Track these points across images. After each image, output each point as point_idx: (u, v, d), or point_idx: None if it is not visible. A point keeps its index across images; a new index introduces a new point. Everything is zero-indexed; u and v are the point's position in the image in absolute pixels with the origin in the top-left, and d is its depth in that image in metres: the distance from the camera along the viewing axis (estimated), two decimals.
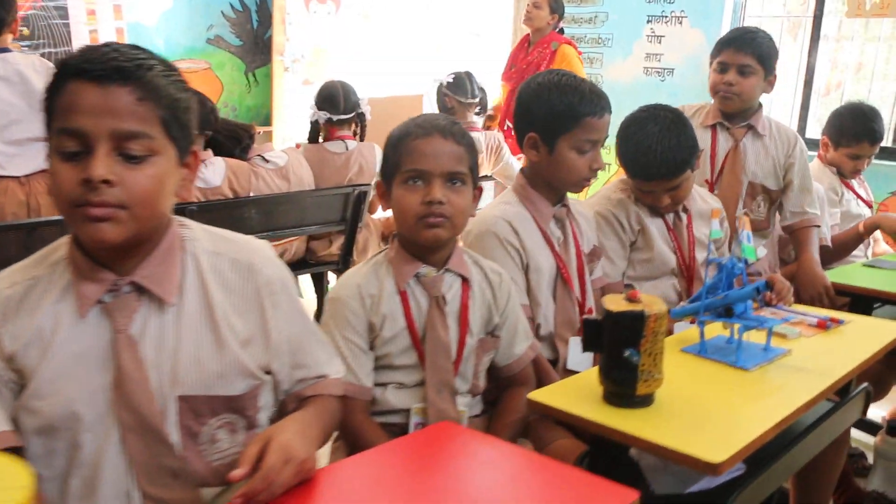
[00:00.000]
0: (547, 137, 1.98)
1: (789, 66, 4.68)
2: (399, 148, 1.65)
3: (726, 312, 1.69)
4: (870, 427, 3.11)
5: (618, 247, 2.32)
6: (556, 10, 4.65)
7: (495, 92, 4.96)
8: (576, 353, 2.01)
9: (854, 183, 3.41)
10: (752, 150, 2.82)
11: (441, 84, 4.17)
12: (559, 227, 2.08)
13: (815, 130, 4.62)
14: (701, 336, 1.73)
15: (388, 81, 7.15)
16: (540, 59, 4.65)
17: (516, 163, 4.24)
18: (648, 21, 5.11)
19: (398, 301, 1.67)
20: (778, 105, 4.86)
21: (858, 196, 3.45)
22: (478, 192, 1.73)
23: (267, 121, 6.96)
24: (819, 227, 2.87)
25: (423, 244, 1.66)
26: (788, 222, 2.87)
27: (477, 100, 4.11)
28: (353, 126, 3.94)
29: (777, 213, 2.92)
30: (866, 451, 2.90)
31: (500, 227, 1.98)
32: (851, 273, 2.70)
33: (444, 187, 1.61)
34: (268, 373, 1.34)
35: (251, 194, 3.63)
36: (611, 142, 2.13)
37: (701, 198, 2.42)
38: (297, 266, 3.91)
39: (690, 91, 4.92)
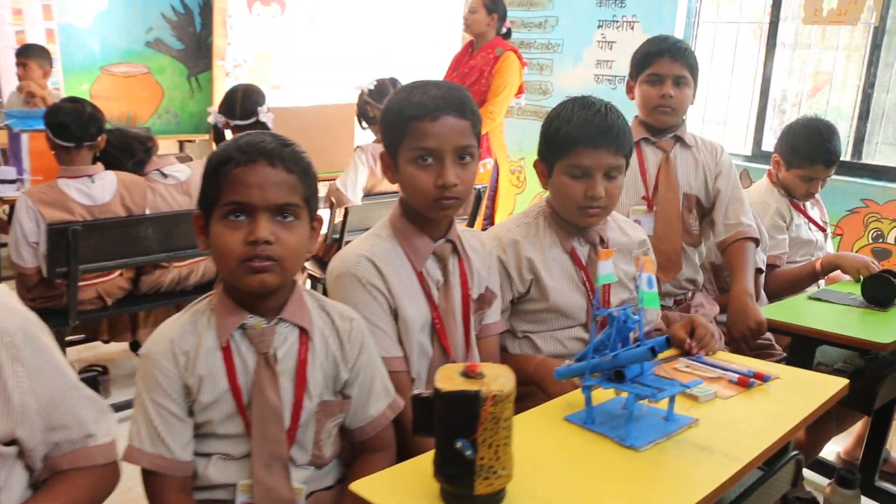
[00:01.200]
0: (390, 152, 1.73)
1: (745, 76, 4.41)
2: (217, 176, 1.38)
3: (616, 376, 1.38)
4: (823, 468, 2.83)
5: (505, 296, 2.01)
6: (494, 9, 4.41)
7: None
8: None
9: (807, 205, 3.13)
10: (683, 161, 2.57)
11: (362, 91, 3.85)
12: (440, 267, 1.77)
13: (770, 143, 4.34)
14: (587, 403, 1.42)
15: (335, 88, 6.84)
16: (483, 63, 4.42)
17: None
18: (599, 26, 4.83)
19: (219, 358, 1.40)
20: (733, 116, 4.59)
21: (811, 220, 3.16)
22: (317, 224, 1.49)
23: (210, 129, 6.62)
24: (756, 240, 2.58)
25: (248, 291, 1.38)
26: (722, 237, 2.59)
27: None
28: None
29: (711, 231, 2.64)
30: (818, 496, 2.61)
31: (361, 267, 1.70)
32: (794, 307, 2.41)
33: (271, 223, 1.36)
34: (10, 444, 1.11)
35: (147, 211, 3.31)
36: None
37: (621, 229, 2.11)
38: (206, 288, 3.59)
39: None
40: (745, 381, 1.62)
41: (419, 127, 1.61)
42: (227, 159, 1.37)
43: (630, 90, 2.62)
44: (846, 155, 4.06)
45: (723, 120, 4.56)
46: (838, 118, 4.23)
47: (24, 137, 3.59)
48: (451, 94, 1.64)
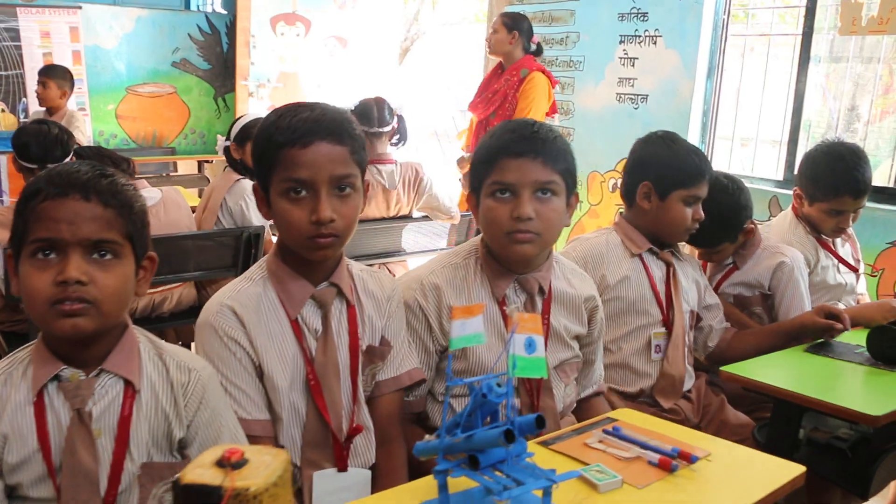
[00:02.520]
0: (261, 184, 1.52)
1: (777, 92, 4.03)
2: (25, 211, 1.23)
3: (471, 463, 1.09)
4: None
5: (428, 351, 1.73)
6: (514, 27, 4.16)
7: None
8: (323, 489, 1.44)
9: (837, 241, 2.75)
10: (682, 273, 2.25)
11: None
12: (320, 315, 1.51)
13: None
14: (440, 492, 1.13)
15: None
16: (507, 87, 4.15)
17: (444, 194, 3.68)
18: (621, 42, 4.51)
19: (30, 414, 1.25)
20: (764, 137, 4.20)
21: (841, 260, 2.78)
22: (148, 263, 1.32)
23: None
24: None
25: (62, 338, 1.24)
26: (717, 339, 2.32)
27: (388, 129, 3.54)
28: None
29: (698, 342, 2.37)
30: None
31: (221, 317, 1.48)
32: (783, 362, 2.05)
33: (84, 262, 1.21)
34: None
35: None
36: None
37: (567, 279, 1.82)
38: (184, 315, 3.42)
39: (665, 121, 4.29)
40: (668, 463, 1.30)
41: (289, 155, 1.42)
42: (35, 192, 1.22)
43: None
44: (888, 180, 3.64)
45: (753, 140, 4.18)
46: (878, 139, 3.82)
47: (3, 159, 3.49)
48: (326, 116, 1.45)
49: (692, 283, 2.27)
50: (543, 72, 4.21)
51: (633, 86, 4.47)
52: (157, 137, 6.55)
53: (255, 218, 3.45)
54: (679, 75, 4.21)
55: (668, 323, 2.17)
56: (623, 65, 4.52)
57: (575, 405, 1.88)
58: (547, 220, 1.63)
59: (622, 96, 4.53)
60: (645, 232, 2.17)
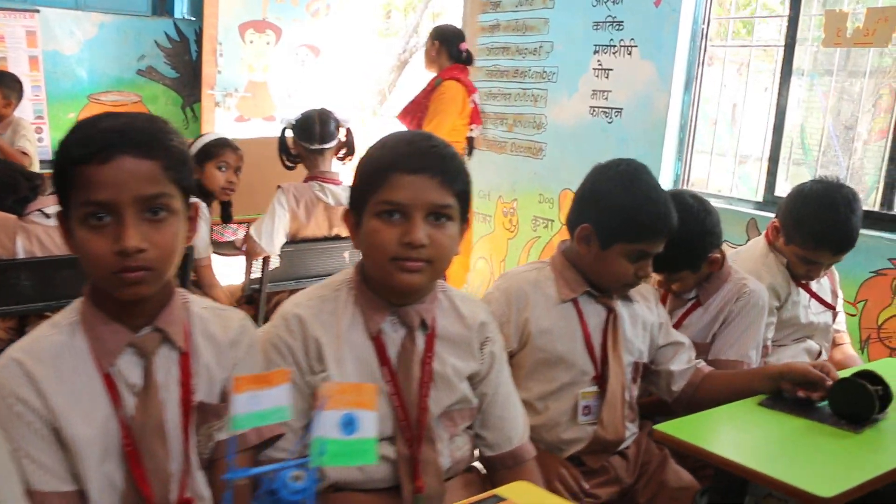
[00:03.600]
0: (63, 208, 1.29)
1: (758, 110, 3.75)
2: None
3: None
4: None
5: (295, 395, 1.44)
6: (436, 36, 4.24)
7: None
8: None
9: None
10: (628, 317, 1.96)
11: (284, 127, 3.37)
12: (141, 366, 1.25)
13: (785, 188, 3.65)
14: None
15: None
16: (423, 96, 4.21)
17: None
18: (595, 51, 4.24)
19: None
20: (745, 156, 3.92)
21: (816, 297, 2.49)
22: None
23: None
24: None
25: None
26: (683, 382, 1.99)
27: (332, 143, 3.28)
28: None
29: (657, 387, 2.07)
30: None
31: (5, 373, 1.22)
32: (729, 420, 1.75)
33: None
34: None
35: (20, 255, 2.86)
36: None
37: (455, 310, 1.55)
38: None
39: (639, 136, 4.02)
40: None
41: (86, 173, 1.18)
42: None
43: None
44: (873, 204, 3.35)
45: (733, 157, 3.89)
46: (864, 158, 3.53)
47: None
48: (134, 125, 1.21)
49: (641, 327, 1.98)
50: (460, 80, 4.16)
51: (606, 98, 4.19)
52: None
53: (200, 241, 3.16)
54: (654, 88, 3.93)
55: (601, 380, 1.88)
56: (597, 76, 4.24)
57: (473, 462, 1.60)
58: (440, 248, 1.40)
59: (596, 109, 4.25)
60: (583, 272, 1.90)
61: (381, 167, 1.41)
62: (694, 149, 3.98)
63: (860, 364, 2.64)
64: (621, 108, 4.11)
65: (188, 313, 1.33)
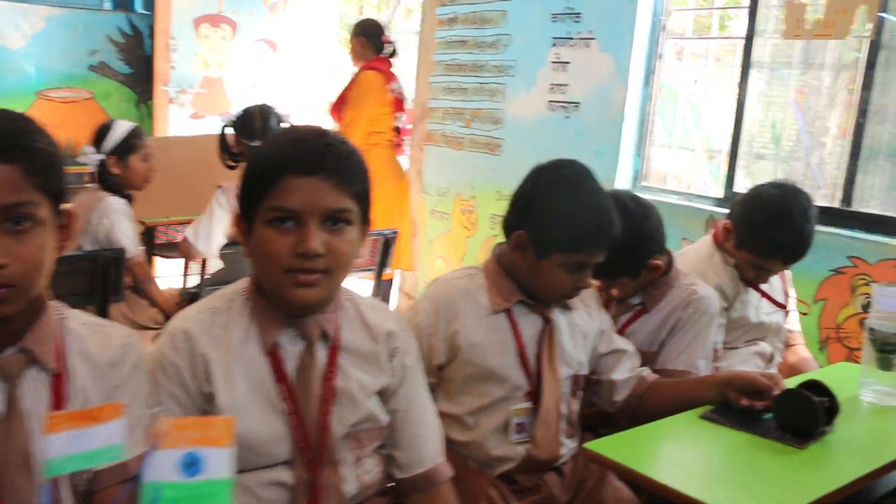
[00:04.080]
0: None
1: (719, 104, 3.65)
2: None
3: None
4: None
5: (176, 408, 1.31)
6: (361, 32, 4.43)
7: None
8: None
9: None
10: (566, 327, 1.84)
11: (224, 125, 3.23)
12: (5, 390, 1.13)
13: (744, 184, 3.56)
14: None
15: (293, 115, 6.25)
16: (346, 89, 4.40)
17: None
18: (554, 44, 4.11)
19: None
20: (701, 156, 3.82)
21: (766, 296, 2.39)
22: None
23: None
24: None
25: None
26: (627, 391, 1.89)
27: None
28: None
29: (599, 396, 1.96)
30: None
31: None
32: (667, 437, 1.64)
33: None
34: None
35: None
36: None
37: (362, 319, 1.43)
38: None
39: (597, 130, 3.90)
40: None
41: None
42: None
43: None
44: (833, 200, 3.26)
45: (696, 154, 3.79)
46: (823, 153, 3.44)
47: None
48: None
49: (581, 337, 1.86)
50: (377, 69, 4.32)
51: (564, 93, 4.07)
52: (70, 147, 6.08)
53: (127, 239, 3.02)
54: (612, 81, 3.82)
55: (535, 395, 1.76)
56: (555, 70, 4.12)
57: (386, 485, 1.47)
58: (338, 256, 1.28)
59: (554, 104, 4.13)
60: (518, 280, 1.78)
61: (271, 169, 1.28)
62: (653, 143, 3.88)
63: (815, 366, 2.56)
64: (579, 103, 3.99)
65: (63, 330, 1.19)
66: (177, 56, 5.81)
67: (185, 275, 3.14)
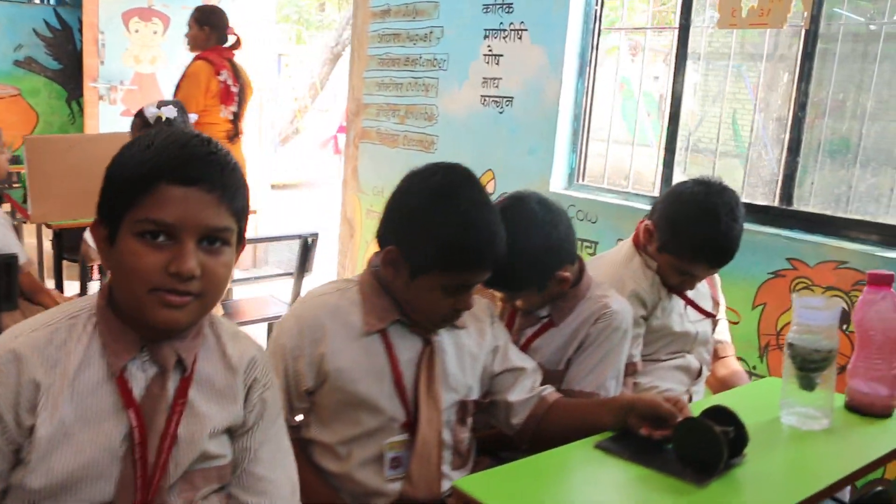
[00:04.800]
0: None
1: (653, 96, 3.48)
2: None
3: None
4: None
5: None
6: (205, 22, 4.36)
7: None
8: None
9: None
10: (452, 347, 1.65)
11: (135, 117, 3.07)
12: None
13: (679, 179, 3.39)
14: None
15: None
16: (180, 79, 4.35)
17: None
18: (486, 36, 3.92)
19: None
20: (638, 152, 3.64)
21: (692, 303, 2.20)
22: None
23: None
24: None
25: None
26: (525, 414, 1.70)
27: None
28: None
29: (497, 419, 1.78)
30: None
31: None
32: (553, 468, 1.44)
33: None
34: None
35: None
36: None
37: (220, 345, 1.27)
38: None
39: (531, 126, 3.72)
40: None
41: None
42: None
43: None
44: (773, 198, 3.09)
45: (629, 150, 3.61)
46: (762, 149, 3.28)
47: None
48: None
49: (469, 358, 1.66)
50: (208, 59, 4.29)
51: (497, 87, 3.88)
52: None
53: (16, 246, 2.79)
54: (545, 74, 3.63)
55: (412, 426, 1.56)
56: (487, 63, 3.93)
57: None
58: (213, 280, 1.14)
59: (487, 99, 3.93)
60: (395, 298, 1.58)
61: (145, 174, 1.10)
62: (590, 140, 3.69)
63: (746, 380, 2.39)
64: (512, 97, 3.80)
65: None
66: (106, 51, 5.54)
67: (84, 280, 2.92)
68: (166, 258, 1.09)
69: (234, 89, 4.38)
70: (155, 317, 1.10)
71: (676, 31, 3.31)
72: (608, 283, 2.10)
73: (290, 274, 3.49)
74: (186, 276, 1.09)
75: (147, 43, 5.71)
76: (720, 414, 1.47)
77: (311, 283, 3.61)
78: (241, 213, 1.17)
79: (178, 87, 4.30)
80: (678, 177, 3.36)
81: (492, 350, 1.71)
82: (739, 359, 2.96)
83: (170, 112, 3.10)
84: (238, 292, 3.94)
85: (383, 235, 1.57)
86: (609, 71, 3.76)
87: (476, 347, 1.68)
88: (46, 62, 5.91)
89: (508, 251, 1.75)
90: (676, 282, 2.12)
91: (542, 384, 1.74)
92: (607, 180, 3.67)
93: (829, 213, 2.94)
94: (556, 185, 3.64)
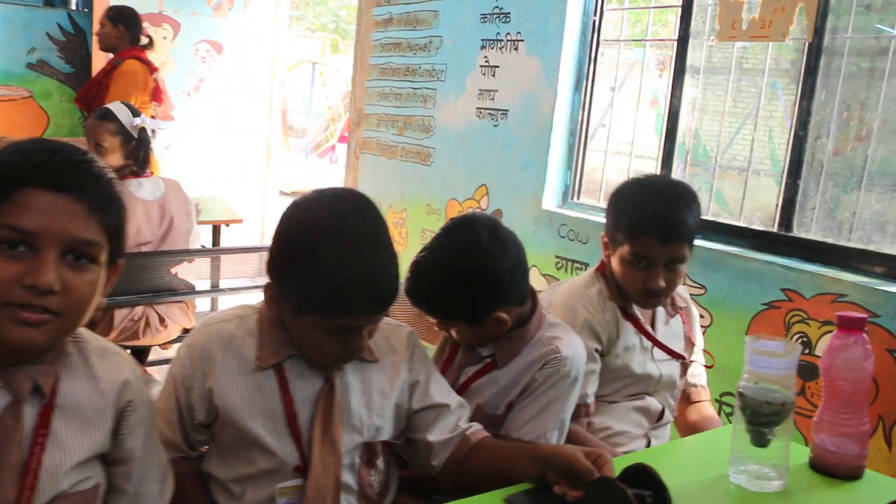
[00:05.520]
0: None
1: (651, 111, 3.30)
2: None
3: None
4: None
5: None
6: (119, 20, 4.22)
7: None
8: None
9: (658, 318, 2.01)
10: (358, 384, 1.50)
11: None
12: None
13: None
14: None
15: (240, 120, 5.95)
16: (101, 75, 4.21)
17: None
18: (483, 47, 3.77)
19: None
20: (639, 161, 3.46)
21: (657, 343, 2.01)
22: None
23: None
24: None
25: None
26: (445, 455, 1.54)
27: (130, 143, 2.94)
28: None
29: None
30: None
31: None
32: None
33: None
34: None
35: None
36: None
37: (88, 367, 1.19)
38: None
39: (526, 143, 3.55)
40: None
41: None
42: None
43: None
44: (773, 223, 2.88)
45: (626, 165, 3.43)
46: (761, 171, 3.07)
47: None
48: None
49: (380, 396, 1.51)
50: (141, 58, 4.20)
51: (493, 99, 3.72)
52: None
53: None
54: (540, 87, 3.47)
55: (305, 470, 1.41)
56: (484, 74, 3.77)
57: None
58: (76, 297, 1.05)
59: (482, 111, 3.78)
60: None
61: (7, 176, 1.02)
62: (587, 156, 3.52)
63: (718, 426, 2.18)
64: (507, 110, 3.65)
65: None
66: None
67: None
68: (23, 270, 0.99)
69: (161, 88, 4.38)
70: (7, 334, 1.00)
71: (675, 45, 3.12)
72: (561, 311, 1.93)
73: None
74: (43, 290, 0.99)
75: (156, 49, 5.64)
76: (643, 474, 1.29)
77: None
78: (113, 230, 1.08)
79: (107, 85, 4.14)
80: None
81: (409, 386, 1.55)
82: (723, 401, 2.76)
83: (138, 120, 3.02)
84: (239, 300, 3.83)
85: (268, 268, 1.43)
86: (633, 85, 3.58)
87: (387, 384, 1.52)
88: (59, 65, 5.91)
89: (439, 275, 1.60)
90: (638, 285, 1.91)
91: (486, 429, 1.59)
92: (604, 199, 3.48)
93: (830, 240, 2.72)
94: (548, 203, 3.46)
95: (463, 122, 3.88)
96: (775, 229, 2.84)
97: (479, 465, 1.52)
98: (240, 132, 6.00)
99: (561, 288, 2.05)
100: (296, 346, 1.42)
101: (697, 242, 2.90)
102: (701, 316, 2.89)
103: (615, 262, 1.94)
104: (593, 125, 3.48)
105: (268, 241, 4.93)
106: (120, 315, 3.02)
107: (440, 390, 1.59)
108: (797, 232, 2.80)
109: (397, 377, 1.53)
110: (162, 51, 5.70)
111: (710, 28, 3.03)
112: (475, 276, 1.64)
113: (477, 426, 1.59)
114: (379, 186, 4.49)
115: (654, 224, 1.85)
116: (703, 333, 2.89)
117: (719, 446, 1.67)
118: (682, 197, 1.89)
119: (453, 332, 1.78)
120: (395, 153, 4.38)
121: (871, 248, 2.63)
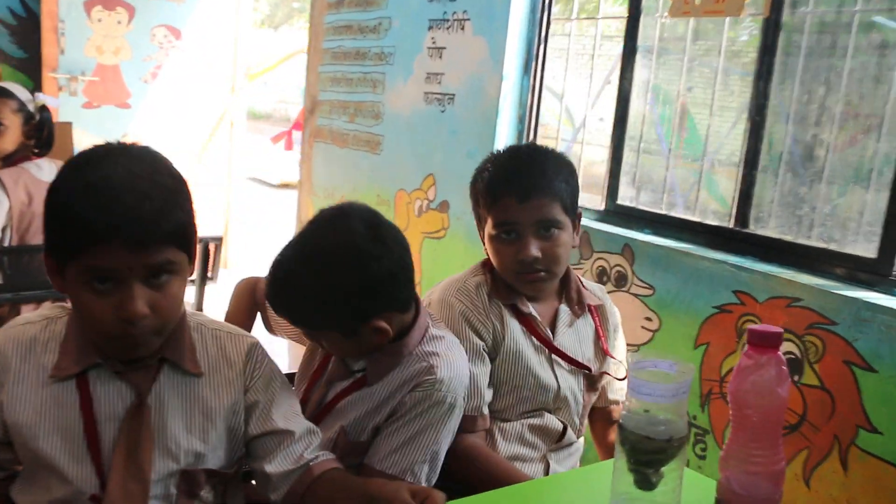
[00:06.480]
0: None
1: (603, 94, 3.03)
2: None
3: None
4: None
5: None
6: None
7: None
8: None
9: (560, 320, 1.77)
10: (180, 400, 1.30)
11: None
12: None
13: (628, 193, 2.93)
14: None
15: (199, 108, 5.71)
16: None
17: None
18: (430, 27, 3.50)
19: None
20: (592, 152, 3.19)
21: (556, 350, 1.76)
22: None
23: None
24: None
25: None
26: (283, 490, 1.36)
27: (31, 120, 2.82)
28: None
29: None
30: None
31: None
32: None
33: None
34: None
35: None
36: None
37: None
38: None
39: (472, 130, 3.29)
40: None
41: None
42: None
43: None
44: (729, 219, 2.60)
45: (577, 159, 3.16)
46: (716, 162, 2.79)
47: None
48: None
49: (202, 416, 1.27)
50: None
51: (440, 82, 3.45)
52: None
53: None
54: (486, 69, 3.20)
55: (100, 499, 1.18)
56: (431, 56, 3.51)
57: None
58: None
59: (430, 96, 3.51)
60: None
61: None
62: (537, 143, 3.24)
63: None
64: (454, 94, 3.38)
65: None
66: (66, 41, 5.27)
67: None
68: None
69: None
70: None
71: (625, 22, 2.85)
72: (437, 308, 1.69)
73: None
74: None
75: (111, 33, 5.41)
76: None
77: (215, 291, 3.25)
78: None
79: None
80: (625, 188, 2.90)
81: (245, 407, 1.31)
82: None
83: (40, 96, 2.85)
84: None
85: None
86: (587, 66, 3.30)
87: (216, 402, 1.28)
88: (11, 51, 5.65)
89: (304, 280, 1.36)
90: (510, 261, 1.68)
91: (349, 458, 1.36)
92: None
93: (788, 238, 2.45)
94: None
95: (411, 108, 3.62)
96: (731, 225, 2.57)
97: (321, 501, 1.29)
98: (200, 120, 5.76)
99: (441, 283, 1.80)
100: (101, 353, 1.20)
101: (646, 238, 2.66)
102: (648, 319, 2.65)
103: (487, 245, 1.73)
104: (543, 110, 3.21)
105: (232, 231, 4.69)
106: (27, 310, 2.82)
107: (284, 414, 1.35)
108: (753, 228, 2.53)
109: (229, 396, 1.29)
110: (116, 35, 5.46)
111: (663, 4, 2.76)
112: (345, 280, 1.40)
113: (327, 455, 1.35)
114: (332, 176, 4.24)
115: (508, 183, 1.65)
116: (651, 339, 2.64)
117: (602, 483, 1.41)
118: (545, 157, 1.71)
119: (324, 343, 1.53)
120: (346, 141, 4.12)
121: (832, 247, 2.35)
